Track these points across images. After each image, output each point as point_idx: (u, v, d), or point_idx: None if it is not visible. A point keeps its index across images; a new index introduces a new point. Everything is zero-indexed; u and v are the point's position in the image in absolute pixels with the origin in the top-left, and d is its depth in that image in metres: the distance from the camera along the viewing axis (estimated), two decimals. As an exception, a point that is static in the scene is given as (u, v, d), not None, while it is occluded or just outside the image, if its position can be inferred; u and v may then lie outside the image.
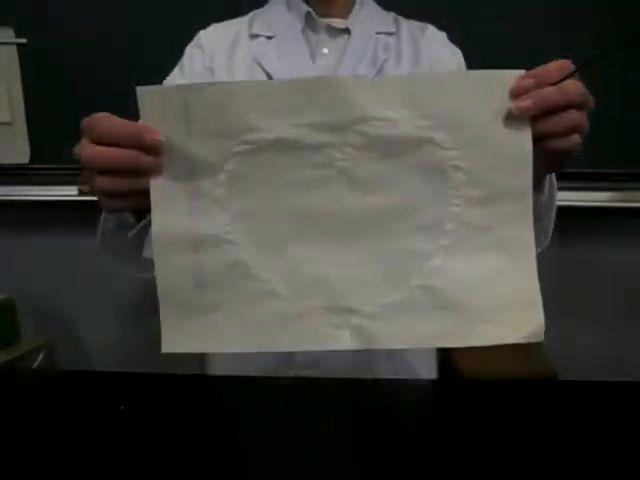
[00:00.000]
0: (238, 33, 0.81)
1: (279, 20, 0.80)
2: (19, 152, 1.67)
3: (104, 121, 0.42)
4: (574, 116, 0.41)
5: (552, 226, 0.62)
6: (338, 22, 0.79)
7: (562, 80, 0.39)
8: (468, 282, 0.42)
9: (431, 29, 0.84)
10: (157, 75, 1.61)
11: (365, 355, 0.77)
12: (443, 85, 0.40)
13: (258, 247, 0.42)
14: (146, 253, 0.54)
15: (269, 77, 0.76)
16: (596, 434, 0.65)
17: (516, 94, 0.40)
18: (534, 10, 1.55)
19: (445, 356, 1.79)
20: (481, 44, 1.40)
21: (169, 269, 0.42)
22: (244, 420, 0.65)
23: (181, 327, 0.42)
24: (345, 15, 0.80)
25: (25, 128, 1.65)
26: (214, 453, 0.58)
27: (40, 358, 1.74)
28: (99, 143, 0.41)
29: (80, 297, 1.91)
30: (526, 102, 0.39)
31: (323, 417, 0.66)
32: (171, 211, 0.42)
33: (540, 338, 0.44)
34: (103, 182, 0.42)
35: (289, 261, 0.42)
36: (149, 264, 0.48)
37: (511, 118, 0.40)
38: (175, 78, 0.80)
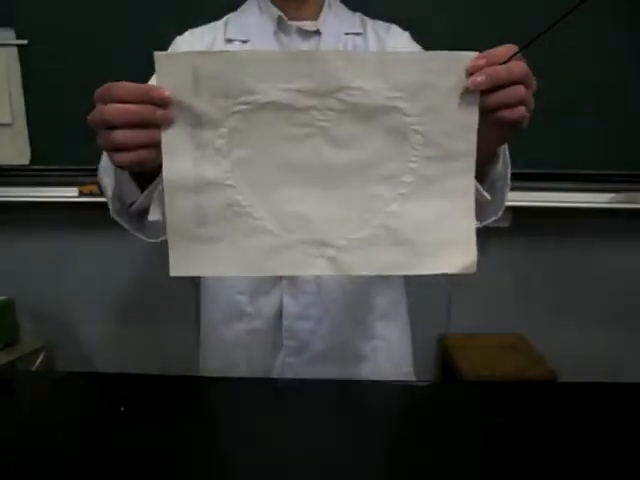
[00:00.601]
0: (214, 38, 0.83)
1: (252, 24, 0.83)
2: (19, 153, 1.67)
3: (118, 85, 0.47)
4: (520, 90, 0.47)
5: (505, 199, 0.68)
6: (308, 25, 0.82)
7: (509, 60, 0.47)
8: (418, 223, 0.51)
9: (395, 28, 0.86)
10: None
11: (345, 335, 0.82)
12: (409, 62, 0.49)
13: (252, 190, 0.50)
14: (151, 216, 0.60)
15: None
16: (595, 436, 0.65)
17: (471, 71, 0.47)
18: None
19: (446, 357, 1.80)
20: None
21: (177, 207, 0.50)
22: (241, 420, 0.65)
23: (186, 255, 0.50)
24: (315, 17, 0.82)
25: (25, 129, 1.65)
26: (212, 453, 0.58)
27: (40, 360, 1.75)
28: (112, 100, 0.47)
29: (79, 298, 1.91)
30: (479, 78, 0.47)
31: (318, 417, 0.66)
32: (179, 159, 0.49)
33: (472, 270, 0.51)
34: (120, 135, 0.47)
35: (277, 202, 0.51)
36: (153, 227, 0.60)
37: (464, 92, 0.48)
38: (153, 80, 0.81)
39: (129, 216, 0.65)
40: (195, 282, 0.87)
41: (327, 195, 0.51)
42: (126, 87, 0.47)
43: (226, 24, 0.84)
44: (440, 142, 0.50)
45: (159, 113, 0.47)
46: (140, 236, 0.69)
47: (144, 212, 0.62)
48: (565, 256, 1.85)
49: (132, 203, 0.62)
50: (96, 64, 1.58)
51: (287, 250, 0.51)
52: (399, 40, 0.84)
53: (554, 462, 0.59)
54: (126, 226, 0.67)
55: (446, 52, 0.48)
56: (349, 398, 0.71)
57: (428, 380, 0.89)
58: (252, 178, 0.50)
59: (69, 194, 1.69)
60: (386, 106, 0.49)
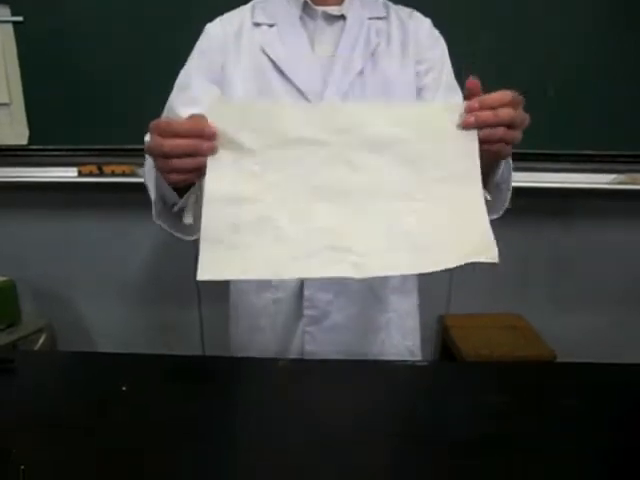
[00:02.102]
0: (242, 22, 0.87)
1: (279, 9, 0.86)
2: (17, 133, 1.65)
3: (177, 123, 0.57)
4: (499, 132, 0.58)
5: (507, 201, 0.79)
6: (333, 9, 0.85)
7: (499, 106, 0.57)
8: (434, 231, 0.57)
9: (416, 14, 0.90)
10: (155, 54, 1.58)
11: (362, 307, 0.89)
12: (416, 107, 0.65)
13: (281, 206, 0.57)
14: (185, 219, 0.68)
15: (273, 63, 0.83)
16: (594, 415, 0.65)
17: (466, 112, 0.58)
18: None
19: (446, 337, 1.81)
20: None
21: (213, 217, 0.57)
22: (243, 400, 0.66)
23: (215, 260, 0.55)
24: (339, 2, 0.86)
25: (23, 109, 1.63)
26: (214, 432, 0.59)
27: (42, 340, 1.76)
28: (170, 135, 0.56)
29: (81, 279, 1.91)
30: (470, 119, 0.58)
31: (325, 396, 0.66)
32: (220, 179, 0.57)
33: (495, 260, 0.57)
34: (177, 163, 0.57)
35: (303, 216, 0.57)
36: (187, 228, 0.69)
37: (461, 134, 0.59)
38: (190, 69, 0.86)
39: (170, 216, 0.73)
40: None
41: (348, 212, 0.58)
42: (184, 126, 0.57)
43: (253, 9, 0.88)
44: (446, 166, 0.59)
45: (206, 146, 0.57)
46: (179, 235, 0.76)
47: (180, 216, 0.70)
48: (566, 237, 1.85)
49: (173, 204, 0.70)
50: (95, 42, 1.56)
51: (311, 256, 0.56)
52: (420, 26, 0.88)
53: (552, 441, 0.60)
54: (166, 227, 0.76)
55: (445, 102, 0.65)
56: (349, 378, 0.71)
57: (426, 360, 0.89)
58: (282, 197, 0.58)
59: (68, 174, 1.68)
60: (397, 139, 0.59)
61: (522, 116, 0.59)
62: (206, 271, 0.54)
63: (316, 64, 0.83)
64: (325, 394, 0.68)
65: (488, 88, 0.59)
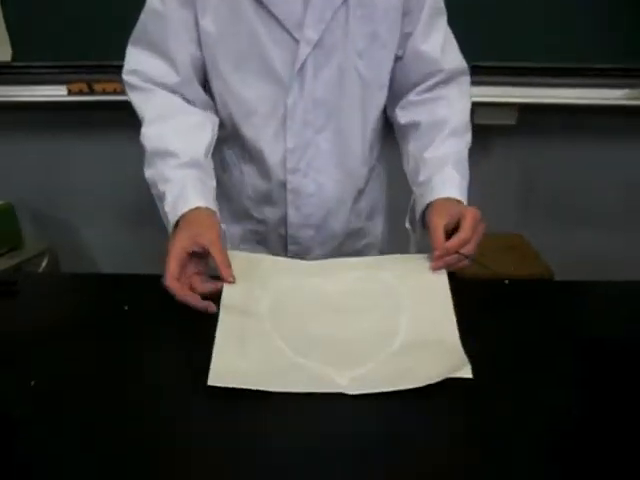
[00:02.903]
0: None
1: None
2: None
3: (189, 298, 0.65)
4: (463, 262, 0.72)
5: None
6: None
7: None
8: (415, 357, 0.61)
9: None
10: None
11: (342, 239, 0.94)
12: (394, 260, 0.77)
13: (284, 338, 0.64)
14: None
15: None
16: (590, 330, 0.67)
17: (435, 258, 0.71)
18: None
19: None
20: None
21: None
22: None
23: (224, 368, 0.58)
24: None
25: (2, 21, 1.53)
26: (211, 347, 0.60)
27: (44, 263, 1.77)
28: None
29: (79, 201, 1.90)
30: (437, 264, 0.72)
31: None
32: (231, 331, 0.64)
33: (468, 374, 0.57)
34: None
35: (302, 344, 0.63)
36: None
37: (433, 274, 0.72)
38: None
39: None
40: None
41: (337, 342, 0.64)
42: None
43: None
44: (424, 305, 0.68)
45: (210, 310, 0.65)
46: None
47: None
48: (573, 156, 1.80)
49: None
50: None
51: (302, 370, 0.60)
52: None
53: (550, 358, 0.61)
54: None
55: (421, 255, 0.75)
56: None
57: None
58: (285, 332, 0.65)
59: (57, 93, 1.62)
60: (383, 287, 0.72)
61: (478, 242, 0.72)
62: (215, 378, 0.56)
63: None
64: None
65: None
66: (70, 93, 1.61)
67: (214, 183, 0.79)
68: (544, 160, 1.82)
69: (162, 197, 0.75)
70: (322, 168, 0.85)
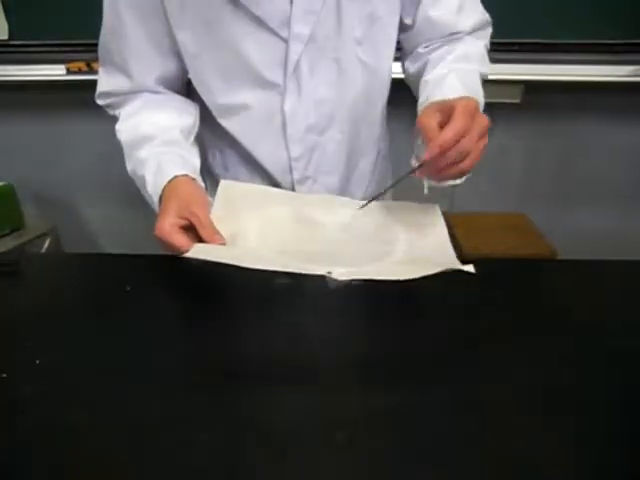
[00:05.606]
0: None
1: None
2: (-4, 27, 1.55)
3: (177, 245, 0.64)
4: (453, 172, 0.63)
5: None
6: None
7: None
8: (414, 259, 0.66)
9: None
10: None
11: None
12: (394, 207, 0.77)
13: (271, 251, 0.66)
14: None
15: None
16: (591, 309, 0.67)
17: (427, 156, 0.60)
18: None
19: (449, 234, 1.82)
20: None
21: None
22: (245, 303, 0.67)
23: (203, 248, 0.62)
24: None
25: (-1, -1, 1.52)
26: (217, 329, 0.60)
27: (47, 244, 1.78)
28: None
29: (81, 181, 1.90)
30: (423, 172, 0.65)
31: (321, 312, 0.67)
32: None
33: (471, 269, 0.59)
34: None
35: (295, 253, 0.65)
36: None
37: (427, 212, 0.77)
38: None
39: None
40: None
41: (336, 251, 0.67)
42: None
43: None
44: (420, 230, 0.73)
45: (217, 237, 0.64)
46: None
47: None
48: (578, 135, 1.78)
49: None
50: None
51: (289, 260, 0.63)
52: None
53: (551, 335, 0.61)
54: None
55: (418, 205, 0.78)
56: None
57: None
58: (270, 243, 0.67)
59: (56, 72, 1.60)
60: (383, 226, 0.73)
61: (480, 136, 0.60)
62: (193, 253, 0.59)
63: None
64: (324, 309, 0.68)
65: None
66: (69, 72, 1.60)
67: (198, 162, 0.75)
68: (548, 139, 1.80)
69: (143, 182, 0.72)
70: (332, 170, 0.83)
